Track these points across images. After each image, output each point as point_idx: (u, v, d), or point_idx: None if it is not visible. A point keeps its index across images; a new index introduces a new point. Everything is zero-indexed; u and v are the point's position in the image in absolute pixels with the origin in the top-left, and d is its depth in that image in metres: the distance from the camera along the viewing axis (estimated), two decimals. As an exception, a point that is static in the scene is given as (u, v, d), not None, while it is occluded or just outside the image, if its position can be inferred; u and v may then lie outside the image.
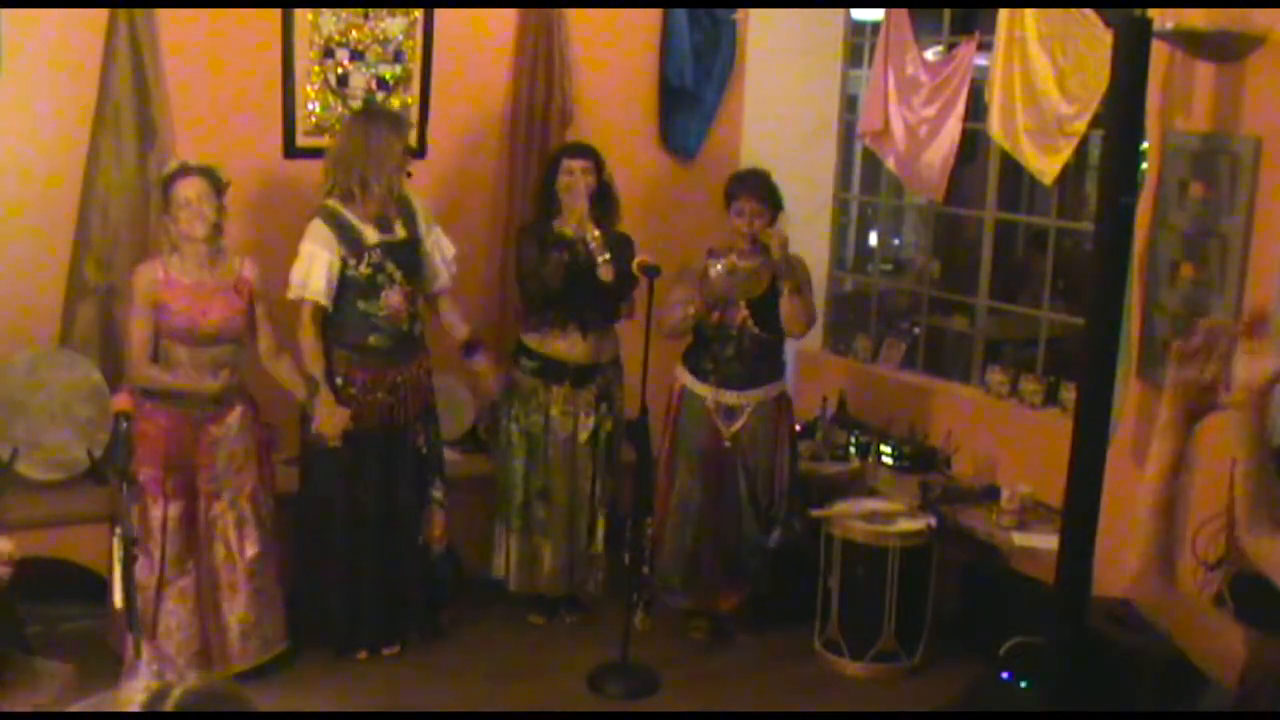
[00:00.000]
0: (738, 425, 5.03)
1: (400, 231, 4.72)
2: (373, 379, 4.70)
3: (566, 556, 5.13)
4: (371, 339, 4.68)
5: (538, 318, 5.04)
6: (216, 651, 4.52)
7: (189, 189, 4.33)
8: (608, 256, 4.85)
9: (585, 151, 5.05)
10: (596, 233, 4.87)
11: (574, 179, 4.96)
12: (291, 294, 4.62)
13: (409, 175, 4.74)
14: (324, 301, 4.61)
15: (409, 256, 4.73)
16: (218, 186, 4.40)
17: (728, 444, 5.03)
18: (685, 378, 5.09)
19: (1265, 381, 2.00)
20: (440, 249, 4.86)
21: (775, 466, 5.10)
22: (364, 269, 4.62)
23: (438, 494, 4.90)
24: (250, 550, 4.53)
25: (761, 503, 5.09)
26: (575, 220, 4.93)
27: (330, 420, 4.60)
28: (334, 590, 4.78)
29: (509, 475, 5.11)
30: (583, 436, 5.07)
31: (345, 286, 4.63)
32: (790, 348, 5.33)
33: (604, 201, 5.02)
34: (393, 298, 4.67)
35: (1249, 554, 2.12)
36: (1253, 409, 2.02)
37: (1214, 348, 2.07)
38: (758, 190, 4.97)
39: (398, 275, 4.67)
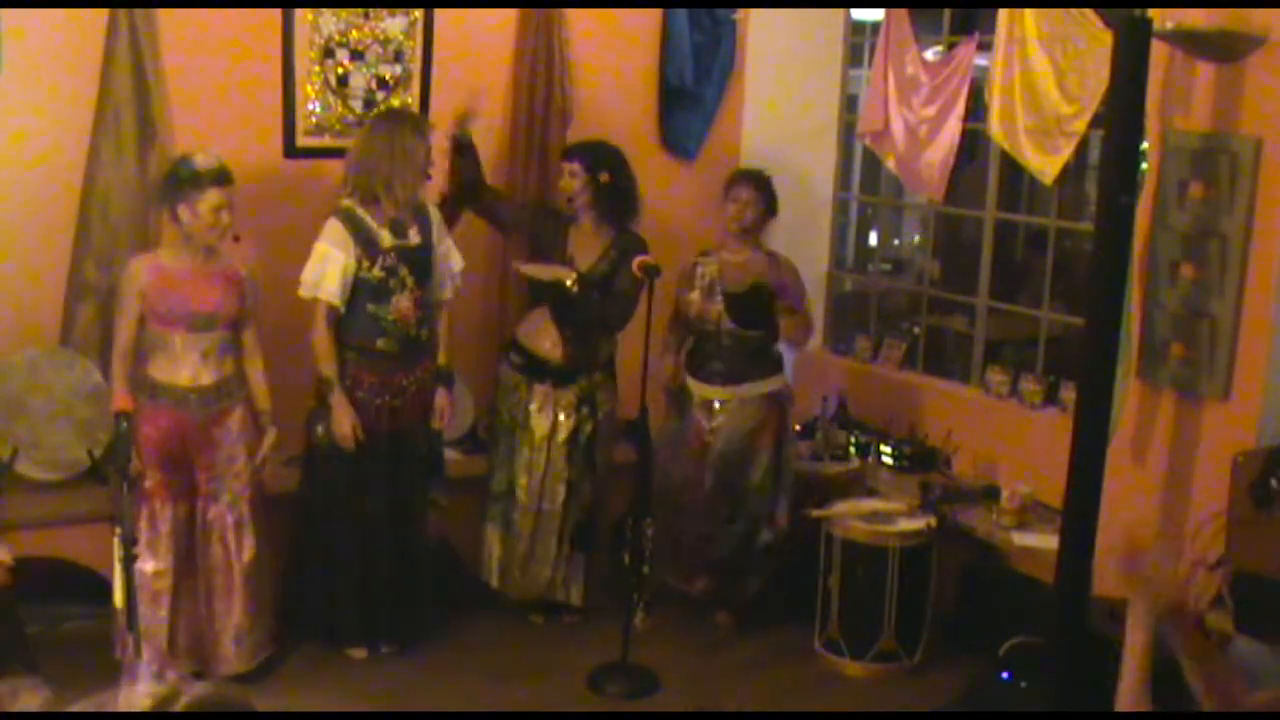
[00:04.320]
0: (717, 421, 5.10)
1: (415, 237, 4.71)
2: (380, 382, 4.70)
3: (528, 558, 5.09)
4: (379, 342, 4.67)
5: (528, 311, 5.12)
6: (209, 656, 4.51)
7: (218, 198, 4.32)
8: (573, 277, 4.88)
9: (573, 152, 5.08)
10: (573, 274, 4.90)
11: (561, 180, 5.07)
12: (303, 293, 4.61)
13: (428, 178, 4.74)
14: (337, 302, 4.60)
15: (422, 263, 4.72)
16: (233, 193, 4.40)
17: (708, 439, 5.11)
18: (684, 375, 5.20)
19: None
20: (449, 260, 4.84)
21: (752, 462, 5.10)
22: (377, 271, 4.62)
23: (432, 494, 4.91)
24: (247, 554, 4.52)
25: (733, 496, 5.09)
26: (583, 236, 5.02)
27: (343, 422, 4.61)
28: (336, 589, 4.77)
29: (491, 469, 5.14)
30: (560, 437, 5.05)
31: (357, 288, 4.63)
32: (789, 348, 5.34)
33: (607, 202, 5.01)
34: (403, 303, 4.66)
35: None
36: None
37: (1145, 549, 2.36)
38: (757, 181, 5.10)
39: (410, 280, 4.66)
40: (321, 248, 4.59)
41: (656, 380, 4.98)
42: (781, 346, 5.25)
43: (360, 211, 4.62)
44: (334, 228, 4.60)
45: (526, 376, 5.05)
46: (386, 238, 4.64)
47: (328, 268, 4.58)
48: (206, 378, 4.42)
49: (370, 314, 4.64)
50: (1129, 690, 2.32)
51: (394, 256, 4.64)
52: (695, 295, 5.01)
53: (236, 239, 4.44)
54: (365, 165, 4.62)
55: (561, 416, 5.04)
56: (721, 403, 5.10)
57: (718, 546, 5.14)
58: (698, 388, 5.15)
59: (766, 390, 5.12)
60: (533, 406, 5.04)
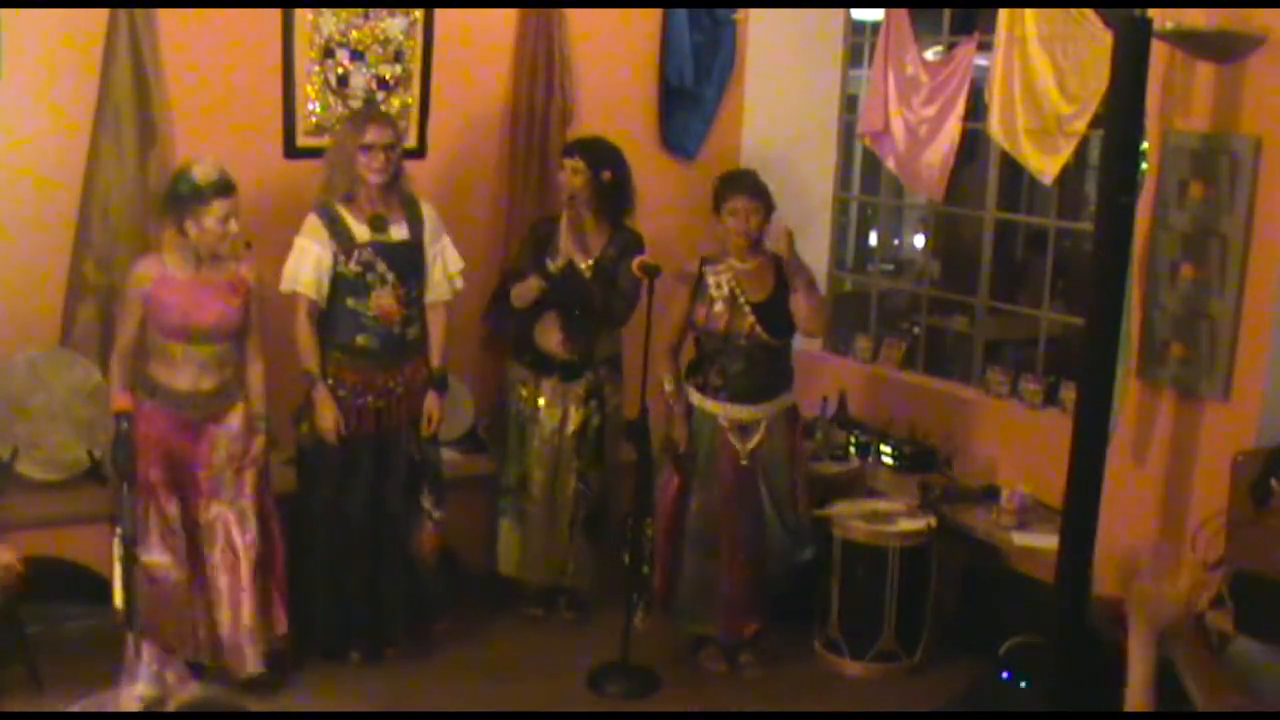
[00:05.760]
0: (754, 442, 4.78)
1: (397, 233, 4.67)
2: (362, 382, 4.67)
3: (543, 547, 5.13)
4: (359, 339, 4.64)
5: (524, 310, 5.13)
6: (230, 654, 4.47)
7: (223, 208, 4.30)
8: (589, 263, 4.97)
9: (575, 149, 5.07)
10: (589, 261, 4.97)
11: (563, 176, 5.06)
12: (283, 287, 4.62)
13: (382, 175, 4.61)
14: (313, 295, 4.60)
15: (405, 259, 4.67)
16: (237, 200, 4.37)
17: (745, 463, 4.79)
18: (693, 396, 4.84)
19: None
20: (444, 260, 4.79)
21: (795, 481, 4.90)
22: (353, 266, 4.60)
23: (427, 504, 4.80)
24: (254, 550, 4.50)
25: (787, 519, 4.89)
26: (574, 234, 5.01)
27: (325, 416, 4.60)
28: (321, 593, 4.75)
29: (501, 459, 5.17)
30: (570, 429, 5.07)
31: (337, 283, 4.62)
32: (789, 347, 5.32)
33: (607, 199, 5.03)
34: (383, 299, 4.63)
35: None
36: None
37: (1166, 561, 2.38)
38: (753, 188, 4.74)
39: (390, 276, 4.63)
40: (298, 241, 4.61)
41: (659, 397, 4.84)
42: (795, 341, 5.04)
43: (339, 207, 4.62)
44: (310, 222, 4.62)
45: (534, 371, 5.08)
46: (363, 233, 4.62)
47: (302, 260, 4.59)
48: (206, 384, 4.43)
49: (350, 310, 4.63)
50: (1134, 702, 2.35)
51: (370, 251, 4.61)
52: (721, 309, 4.70)
53: (249, 245, 4.43)
54: (328, 161, 4.71)
55: (571, 409, 5.07)
56: (753, 424, 4.78)
57: (775, 580, 4.92)
58: (723, 408, 4.77)
59: (789, 404, 4.90)
60: (542, 400, 5.07)
